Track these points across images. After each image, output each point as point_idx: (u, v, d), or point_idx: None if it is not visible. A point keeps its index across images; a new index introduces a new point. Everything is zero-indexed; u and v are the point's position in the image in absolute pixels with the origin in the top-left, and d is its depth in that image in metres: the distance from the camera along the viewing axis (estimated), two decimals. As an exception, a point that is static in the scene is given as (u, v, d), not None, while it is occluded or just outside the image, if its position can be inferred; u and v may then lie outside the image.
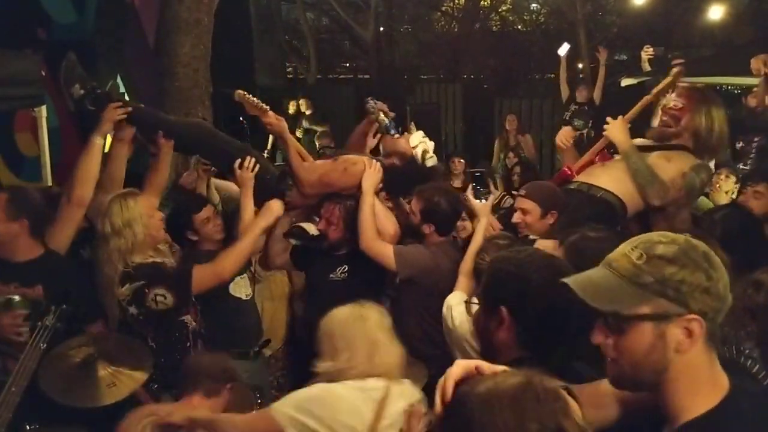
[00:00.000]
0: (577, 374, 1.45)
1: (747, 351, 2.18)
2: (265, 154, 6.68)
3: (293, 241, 3.26)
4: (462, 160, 6.70)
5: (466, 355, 2.26)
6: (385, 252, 3.04)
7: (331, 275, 3.20)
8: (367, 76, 14.78)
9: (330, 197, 3.22)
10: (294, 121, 9.30)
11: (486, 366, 1.16)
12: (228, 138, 3.37)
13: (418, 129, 6.54)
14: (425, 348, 2.90)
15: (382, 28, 14.61)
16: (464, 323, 2.43)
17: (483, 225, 3.00)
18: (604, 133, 3.25)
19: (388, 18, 14.83)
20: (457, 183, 6.29)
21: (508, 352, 1.59)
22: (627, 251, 1.25)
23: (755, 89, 4.95)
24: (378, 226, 3.11)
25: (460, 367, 1.14)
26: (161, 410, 2.23)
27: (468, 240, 3.36)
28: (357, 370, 1.99)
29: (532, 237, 2.94)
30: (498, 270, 1.71)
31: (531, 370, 1.07)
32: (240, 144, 3.37)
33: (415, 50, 15.62)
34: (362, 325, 2.08)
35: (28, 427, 2.40)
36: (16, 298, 2.55)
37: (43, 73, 4.42)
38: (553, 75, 11.74)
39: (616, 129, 3.19)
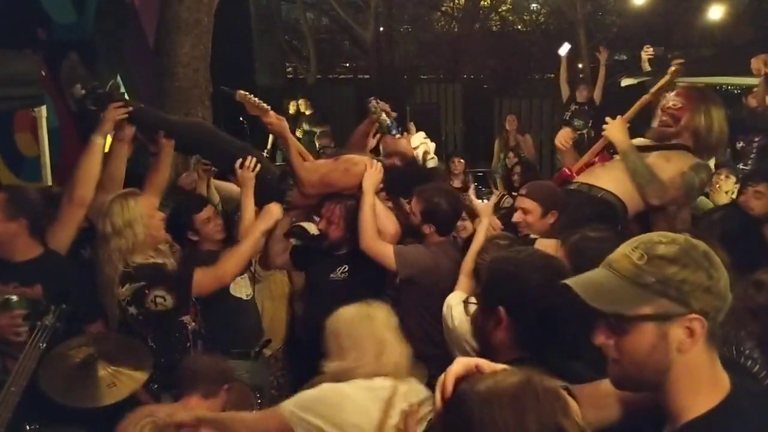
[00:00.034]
0: (576, 374, 1.45)
1: (747, 351, 2.18)
2: (265, 154, 6.69)
3: (294, 241, 3.26)
4: (462, 160, 6.71)
5: (466, 355, 2.24)
6: (386, 252, 3.04)
7: (332, 275, 3.20)
8: (367, 76, 14.78)
9: (330, 197, 3.22)
10: (294, 121, 9.30)
11: (486, 364, 1.16)
12: (229, 138, 3.37)
13: (418, 129, 6.57)
14: (425, 348, 2.89)
15: (382, 28, 14.62)
16: (464, 323, 2.43)
17: (485, 225, 3.00)
18: (603, 133, 3.25)
19: (388, 18, 14.83)
20: (457, 183, 6.29)
21: (506, 352, 1.59)
22: (628, 252, 1.25)
23: (755, 89, 4.95)
24: (379, 225, 3.11)
25: (460, 364, 1.15)
26: (160, 411, 2.23)
27: (468, 240, 3.37)
28: (365, 369, 1.99)
29: (532, 236, 2.94)
30: (496, 270, 1.71)
31: (531, 369, 1.08)
32: (241, 144, 3.37)
33: (415, 50, 15.62)
34: (370, 324, 2.08)
35: (28, 427, 2.40)
36: (14, 298, 2.54)
37: (43, 73, 4.42)
38: (553, 75, 11.75)
39: (614, 129, 3.19)
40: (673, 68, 3.34)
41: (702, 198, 4.03)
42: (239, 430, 2.04)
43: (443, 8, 16.10)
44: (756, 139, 5.36)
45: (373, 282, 3.15)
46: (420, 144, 6.02)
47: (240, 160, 3.14)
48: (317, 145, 7.98)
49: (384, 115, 3.36)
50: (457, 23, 15.70)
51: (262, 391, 3.08)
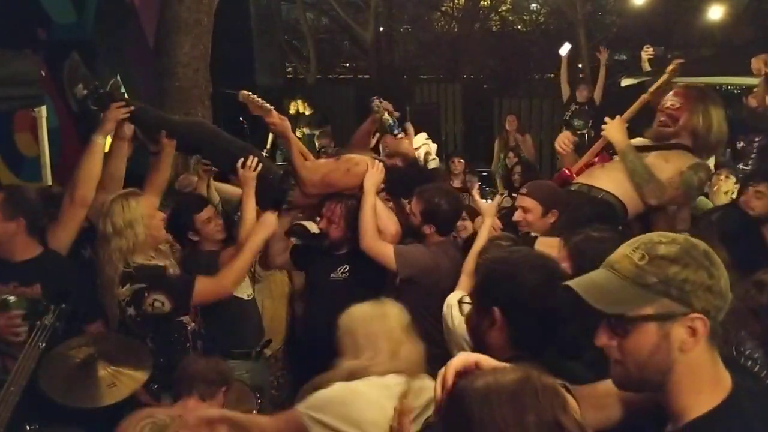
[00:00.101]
0: (573, 374, 1.45)
1: (747, 351, 2.18)
2: (265, 154, 6.68)
3: (294, 240, 3.26)
4: (462, 160, 6.71)
5: (466, 355, 2.26)
6: (386, 252, 3.04)
7: (332, 275, 3.20)
8: (366, 76, 14.77)
9: (331, 196, 3.23)
10: (295, 121, 9.29)
11: (485, 361, 1.17)
12: (230, 137, 3.37)
13: (418, 129, 6.57)
14: (426, 347, 2.89)
15: (382, 28, 14.61)
16: (463, 323, 2.43)
17: (488, 225, 3.01)
18: (602, 133, 3.25)
19: (388, 18, 14.82)
20: (457, 183, 6.30)
21: (500, 352, 1.59)
22: (628, 253, 1.25)
23: (755, 89, 4.95)
24: (379, 225, 3.11)
25: (461, 359, 1.16)
26: (159, 412, 2.23)
27: (468, 240, 3.37)
28: (380, 367, 1.99)
29: (533, 234, 2.94)
30: (491, 271, 1.71)
31: (529, 366, 1.08)
32: (242, 143, 3.37)
33: (415, 50, 15.61)
34: (384, 322, 2.08)
35: (28, 428, 2.40)
36: (12, 298, 2.54)
37: (43, 73, 4.42)
38: (552, 75, 11.75)
39: (613, 129, 3.19)
40: (671, 67, 3.34)
41: (702, 198, 4.03)
42: None
43: (443, 8, 16.08)
44: (756, 139, 5.37)
45: (374, 282, 3.14)
46: (422, 145, 6.04)
47: (241, 159, 3.14)
48: (317, 145, 7.99)
49: (387, 115, 3.36)
50: (457, 23, 15.68)
51: (262, 391, 3.08)
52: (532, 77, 14.67)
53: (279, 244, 3.28)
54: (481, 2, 15.28)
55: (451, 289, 2.74)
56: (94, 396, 2.36)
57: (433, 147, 6.44)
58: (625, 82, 8.60)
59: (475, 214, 3.84)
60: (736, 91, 8.14)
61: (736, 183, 4.43)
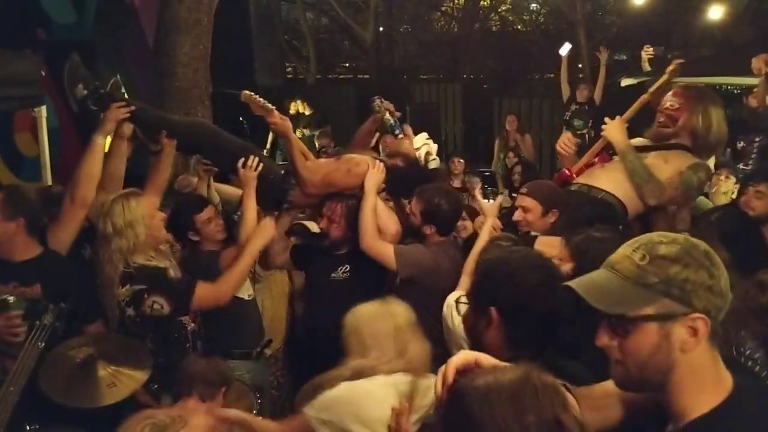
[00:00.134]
0: (570, 374, 1.45)
1: (748, 352, 2.18)
2: (264, 154, 6.68)
3: (294, 239, 3.26)
4: (462, 160, 6.71)
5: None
6: (386, 251, 3.04)
7: (333, 274, 3.20)
8: (366, 76, 14.77)
9: (332, 195, 3.23)
10: (295, 121, 9.28)
11: (486, 360, 1.17)
12: (231, 137, 3.37)
13: (418, 129, 6.56)
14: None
15: (381, 28, 14.62)
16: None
17: (489, 225, 3.00)
18: (602, 133, 3.25)
19: (387, 18, 14.83)
20: (456, 183, 6.29)
21: (497, 353, 1.58)
22: (629, 253, 1.25)
23: (756, 89, 4.95)
24: (380, 225, 3.11)
25: (461, 356, 1.17)
26: (160, 414, 2.23)
27: (468, 240, 3.37)
28: (387, 366, 1.99)
29: (533, 233, 2.94)
30: (487, 271, 1.71)
31: (529, 365, 1.08)
32: (243, 143, 3.37)
33: (414, 50, 15.62)
34: (391, 321, 2.08)
35: (28, 428, 2.40)
36: (11, 298, 2.53)
37: (43, 73, 4.42)
38: (552, 75, 11.75)
39: (613, 129, 3.19)
40: (671, 68, 3.33)
41: (702, 198, 4.03)
42: None
43: (443, 8, 16.08)
44: (757, 139, 5.37)
45: (375, 282, 3.14)
46: (422, 145, 6.04)
47: (242, 159, 3.14)
48: (317, 145, 7.99)
49: (388, 115, 3.36)
50: (456, 23, 15.68)
51: (262, 391, 3.08)
52: (532, 77, 14.68)
53: (279, 244, 3.28)
54: (481, 2, 15.28)
55: (452, 289, 2.73)
56: (94, 396, 2.35)
57: (434, 147, 6.44)
58: (625, 82, 8.60)
59: (475, 214, 3.84)
60: (736, 91, 8.13)
61: (736, 183, 4.43)
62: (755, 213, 3.40)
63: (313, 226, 3.27)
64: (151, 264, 2.76)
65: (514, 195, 4.78)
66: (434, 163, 6.12)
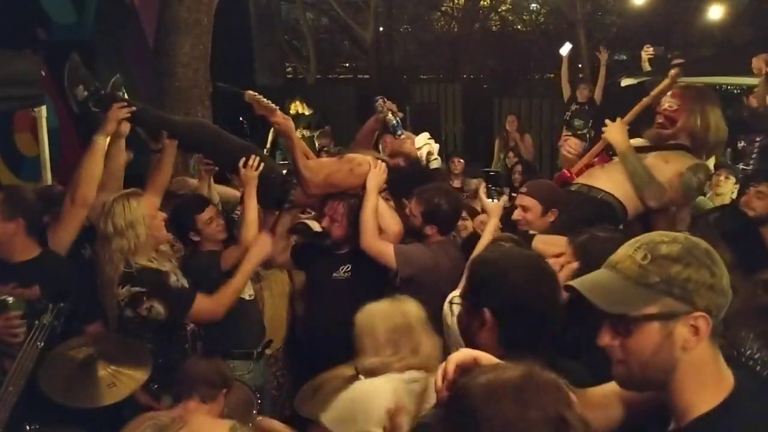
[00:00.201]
0: (567, 374, 1.45)
1: (749, 352, 2.17)
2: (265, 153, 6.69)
3: (294, 239, 3.26)
4: (462, 160, 6.70)
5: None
6: (386, 251, 3.04)
7: (334, 274, 3.20)
8: (366, 76, 14.78)
9: (334, 195, 3.23)
10: (296, 121, 9.27)
11: (485, 358, 1.17)
12: (231, 137, 3.37)
13: (418, 129, 6.57)
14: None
15: (381, 28, 14.62)
16: (458, 322, 2.43)
17: (493, 224, 3.00)
18: (602, 135, 3.25)
19: (387, 18, 14.84)
20: (456, 183, 6.29)
21: (491, 353, 1.58)
22: (631, 252, 1.26)
23: (756, 89, 4.94)
24: (383, 225, 3.12)
25: (461, 354, 1.18)
26: (160, 415, 2.23)
27: (468, 239, 3.36)
28: (401, 363, 1.99)
29: (531, 232, 2.94)
30: (480, 271, 1.70)
31: (530, 362, 1.08)
32: (244, 143, 3.36)
33: (414, 50, 15.62)
34: (404, 319, 2.09)
35: (28, 428, 2.40)
36: (11, 299, 2.53)
37: (43, 73, 4.42)
38: (552, 75, 11.74)
39: (614, 131, 3.19)
40: (673, 71, 3.33)
41: (702, 198, 4.03)
42: None
43: (443, 8, 16.09)
44: (757, 139, 5.35)
45: (376, 281, 3.14)
46: (424, 144, 6.04)
47: (243, 159, 3.14)
48: (317, 145, 7.99)
49: (390, 115, 3.36)
50: (456, 23, 15.69)
51: (263, 391, 3.08)
52: (532, 77, 14.68)
53: (280, 244, 3.28)
54: (481, 2, 15.28)
55: (452, 289, 2.73)
56: (94, 396, 2.35)
57: (435, 147, 6.44)
58: (625, 82, 8.59)
59: (475, 213, 3.84)
60: (736, 91, 8.13)
61: (736, 183, 4.43)
62: (755, 213, 3.39)
63: (315, 226, 3.27)
64: (152, 266, 2.75)
65: (514, 195, 4.78)
66: (436, 163, 6.12)
